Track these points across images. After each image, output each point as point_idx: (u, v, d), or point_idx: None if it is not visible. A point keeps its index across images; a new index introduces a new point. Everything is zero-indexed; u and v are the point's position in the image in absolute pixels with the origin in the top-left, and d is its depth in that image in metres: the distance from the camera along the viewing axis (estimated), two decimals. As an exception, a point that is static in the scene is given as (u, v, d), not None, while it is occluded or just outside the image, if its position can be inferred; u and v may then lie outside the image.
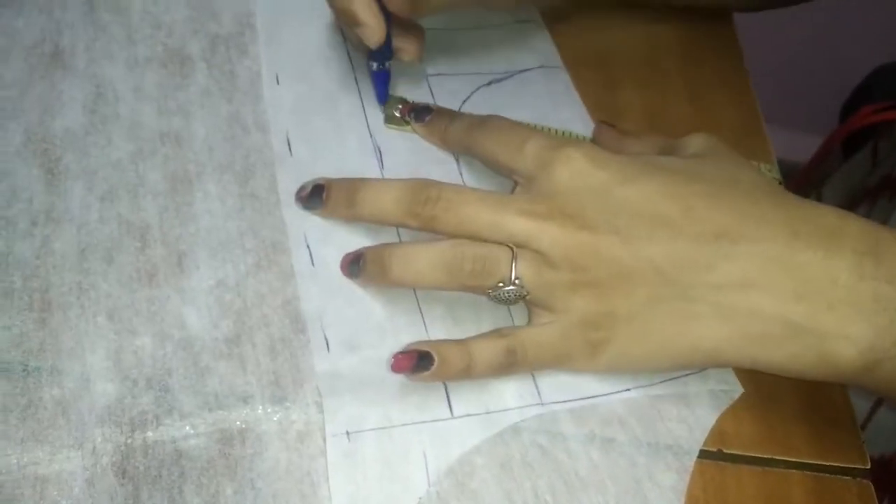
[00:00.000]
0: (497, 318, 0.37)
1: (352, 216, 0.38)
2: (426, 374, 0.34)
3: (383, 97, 0.43)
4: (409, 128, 0.42)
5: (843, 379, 0.35)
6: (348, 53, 0.45)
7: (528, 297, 0.35)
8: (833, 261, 0.33)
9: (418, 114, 0.42)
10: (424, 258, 0.35)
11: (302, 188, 0.39)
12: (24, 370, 0.33)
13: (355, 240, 0.38)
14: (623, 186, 0.34)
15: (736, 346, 0.34)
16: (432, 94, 0.44)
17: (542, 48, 0.47)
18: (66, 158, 0.38)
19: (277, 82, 0.43)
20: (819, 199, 0.70)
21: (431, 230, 0.35)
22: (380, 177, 0.40)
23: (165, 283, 0.36)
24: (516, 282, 0.34)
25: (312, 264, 0.37)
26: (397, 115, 0.42)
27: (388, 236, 0.38)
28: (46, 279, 0.35)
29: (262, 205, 0.38)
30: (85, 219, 0.37)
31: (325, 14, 0.46)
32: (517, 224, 0.34)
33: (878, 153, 0.63)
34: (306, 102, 0.42)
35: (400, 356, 0.34)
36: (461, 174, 0.41)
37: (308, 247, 0.38)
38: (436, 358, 0.34)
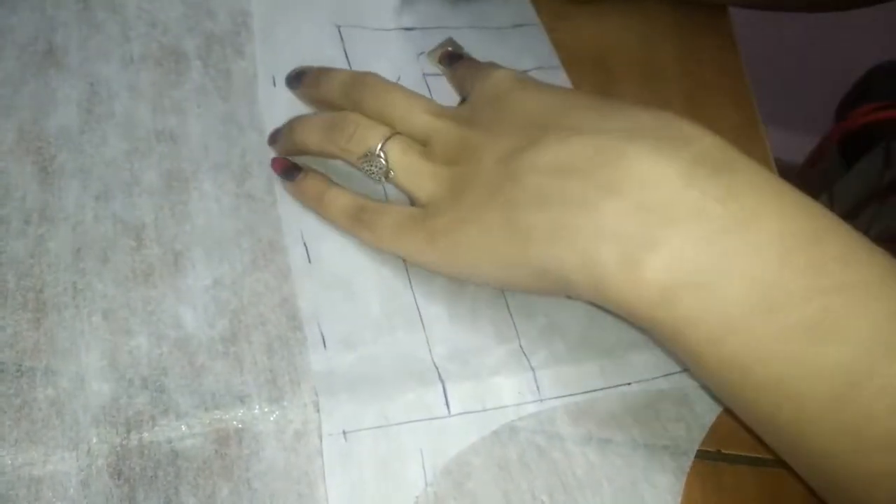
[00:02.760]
0: (496, 320, 0.37)
1: (313, 95, 0.41)
2: (288, 184, 0.38)
3: None
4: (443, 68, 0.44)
5: (644, 309, 0.30)
6: (345, 54, 0.44)
7: (391, 177, 0.36)
8: (662, 159, 0.30)
9: (450, 60, 0.44)
10: (316, 122, 0.38)
11: (289, 73, 0.42)
12: (18, 370, 0.32)
13: (352, 236, 0.38)
14: (514, 93, 0.36)
15: (545, 237, 0.31)
16: (430, 92, 0.44)
17: (539, 48, 0.47)
18: (61, 157, 0.38)
19: (273, 84, 0.42)
20: (830, 200, 0.70)
21: (359, 111, 0.38)
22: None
23: (161, 283, 0.35)
24: (380, 155, 0.36)
25: (309, 261, 0.37)
26: (439, 53, 0.44)
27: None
28: (41, 278, 0.35)
29: (259, 205, 0.38)
30: (80, 218, 0.36)
31: (322, 14, 0.45)
32: (422, 118, 0.37)
33: (892, 153, 0.63)
34: (302, 105, 0.42)
35: (279, 158, 0.39)
36: None
37: (304, 244, 0.37)
38: (300, 175, 0.38)
